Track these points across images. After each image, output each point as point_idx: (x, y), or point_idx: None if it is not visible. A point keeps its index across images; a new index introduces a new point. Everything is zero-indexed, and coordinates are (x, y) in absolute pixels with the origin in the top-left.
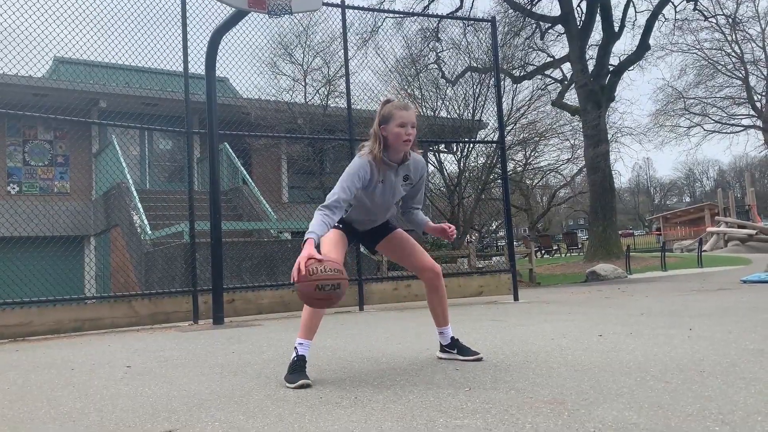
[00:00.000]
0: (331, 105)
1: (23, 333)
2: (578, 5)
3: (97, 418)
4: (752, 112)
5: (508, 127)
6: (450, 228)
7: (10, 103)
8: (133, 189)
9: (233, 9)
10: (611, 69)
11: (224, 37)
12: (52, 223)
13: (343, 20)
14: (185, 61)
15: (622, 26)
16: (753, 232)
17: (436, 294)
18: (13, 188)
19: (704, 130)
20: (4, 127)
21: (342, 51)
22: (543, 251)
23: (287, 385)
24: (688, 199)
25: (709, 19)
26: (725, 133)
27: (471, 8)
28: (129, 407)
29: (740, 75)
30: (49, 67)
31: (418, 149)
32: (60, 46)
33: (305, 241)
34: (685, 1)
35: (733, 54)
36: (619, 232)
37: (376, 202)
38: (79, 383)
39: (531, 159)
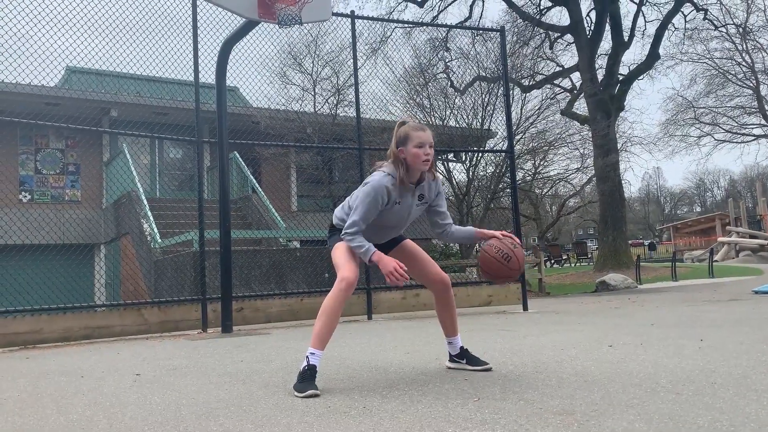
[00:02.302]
0: (340, 114)
1: (33, 340)
2: (587, 15)
3: (106, 425)
4: (763, 122)
5: (517, 137)
6: (503, 233)
7: (23, 112)
8: (143, 197)
9: (244, 19)
10: (621, 78)
11: (234, 47)
12: (63, 232)
13: (353, 30)
14: (196, 71)
15: (631, 35)
16: (765, 242)
17: (445, 305)
18: (25, 196)
19: (715, 139)
20: (16, 136)
21: (351, 60)
22: (552, 261)
23: (296, 394)
24: (698, 209)
25: (719, 29)
26: (736, 142)
27: (480, 18)
28: (138, 415)
29: (751, 84)
30: (61, 77)
31: (436, 171)
32: (72, 56)
33: (372, 254)
34: (695, 11)
35: (743, 63)
36: (629, 242)
37: (390, 221)
38: (88, 391)
39: (540, 168)
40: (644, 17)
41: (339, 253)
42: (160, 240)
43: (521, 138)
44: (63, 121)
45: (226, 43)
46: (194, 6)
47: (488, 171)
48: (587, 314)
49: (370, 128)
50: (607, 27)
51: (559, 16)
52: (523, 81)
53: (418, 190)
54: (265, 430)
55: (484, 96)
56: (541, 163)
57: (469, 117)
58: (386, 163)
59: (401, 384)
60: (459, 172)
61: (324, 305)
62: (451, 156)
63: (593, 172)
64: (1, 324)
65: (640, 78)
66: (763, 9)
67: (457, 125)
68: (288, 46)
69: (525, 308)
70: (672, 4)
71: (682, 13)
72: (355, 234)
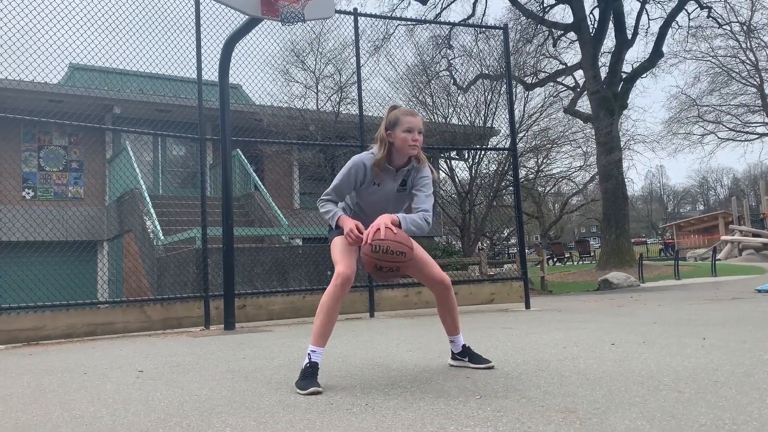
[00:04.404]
0: (343, 112)
1: (37, 337)
2: (591, 12)
3: (109, 421)
4: (767, 120)
5: (520, 134)
6: (365, 234)
7: (27, 109)
8: (146, 194)
9: (247, 16)
10: (624, 76)
11: (237, 44)
12: (66, 228)
13: (356, 28)
14: (199, 68)
15: (635, 33)
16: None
17: (446, 305)
18: (28, 193)
19: (718, 137)
20: (20, 133)
21: (354, 58)
22: (555, 259)
23: (298, 391)
24: (701, 207)
25: (723, 27)
26: (739, 140)
27: (483, 15)
28: (141, 411)
29: (755, 82)
30: (64, 74)
31: (426, 158)
32: (75, 53)
33: (338, 219)
34: (698, 9)
35: (747, 61)
36: (632, 240)
37: (371, 204)
38: (91, 387)
39: (543, 166)
40: (648, 15)
41: (335, 248)
42: (162, 237)
43: (524, 136)
44: (66, 119)
45: (229, 41)
46: (197, 3)
47: (491, 169)
48: (589, 312)
49: (373, 126)
50: (611, 25)
51: (562, 14)
52: (526, 79)
53: (401, 175)
54: (268, 426)
55: (486, 94)
56: (544, 161)
57: (472, 115)
58: (375, 145)
59: (403, 381)
60: (462, 170)
61: (322, 302)
62: (453, 154)
63: (596, 170)
64: (4, 321)
65: (643, 76)
66: (767, 7)
67: (459, 123)
68: (291, 44)
69: (527, 306)
70: (675, 2)
71: (686, 10)
72: (325, 202)
